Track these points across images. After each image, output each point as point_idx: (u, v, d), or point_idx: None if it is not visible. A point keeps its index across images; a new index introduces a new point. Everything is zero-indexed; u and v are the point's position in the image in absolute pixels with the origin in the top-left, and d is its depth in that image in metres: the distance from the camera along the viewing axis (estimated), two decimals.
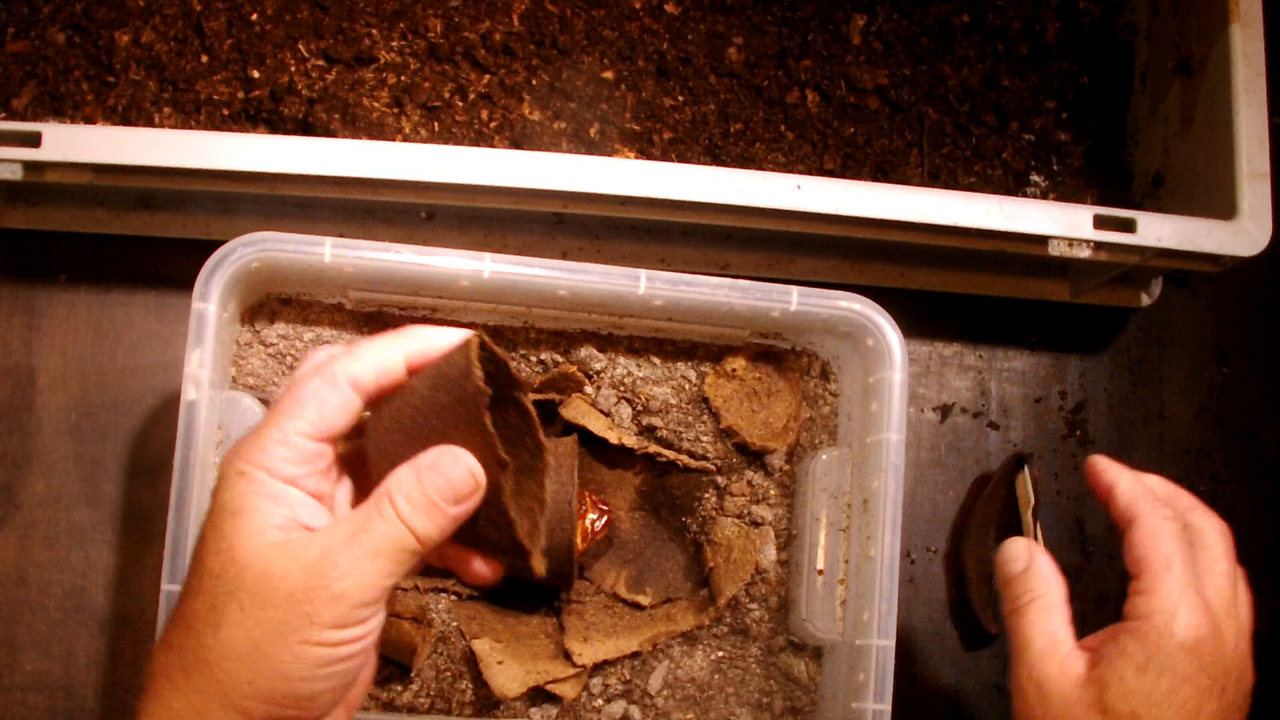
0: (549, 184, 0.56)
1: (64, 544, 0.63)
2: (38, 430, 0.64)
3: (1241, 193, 0.60)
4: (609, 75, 0.67)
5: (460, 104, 0.66)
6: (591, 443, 0.60)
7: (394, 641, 0.57)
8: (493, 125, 0.66)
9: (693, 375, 0.62)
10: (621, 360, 0.61)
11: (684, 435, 0.61)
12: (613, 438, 0.59)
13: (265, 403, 0.57)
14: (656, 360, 0.62)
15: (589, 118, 0.67)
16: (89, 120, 0.63)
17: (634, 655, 0.60)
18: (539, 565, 0.44)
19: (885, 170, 0.68)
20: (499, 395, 0.44)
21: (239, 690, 0.38)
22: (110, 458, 0.64)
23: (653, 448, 0.60)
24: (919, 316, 0.70)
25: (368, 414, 0.43)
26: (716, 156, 0.67)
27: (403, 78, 0.66)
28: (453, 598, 0.60)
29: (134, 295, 0.65)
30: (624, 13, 0.68)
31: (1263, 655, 0.71)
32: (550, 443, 0.59)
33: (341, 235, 0.53)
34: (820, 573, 0.60)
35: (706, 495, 0.62)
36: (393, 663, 0.58)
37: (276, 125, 0.64)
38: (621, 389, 0.61)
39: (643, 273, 0.54)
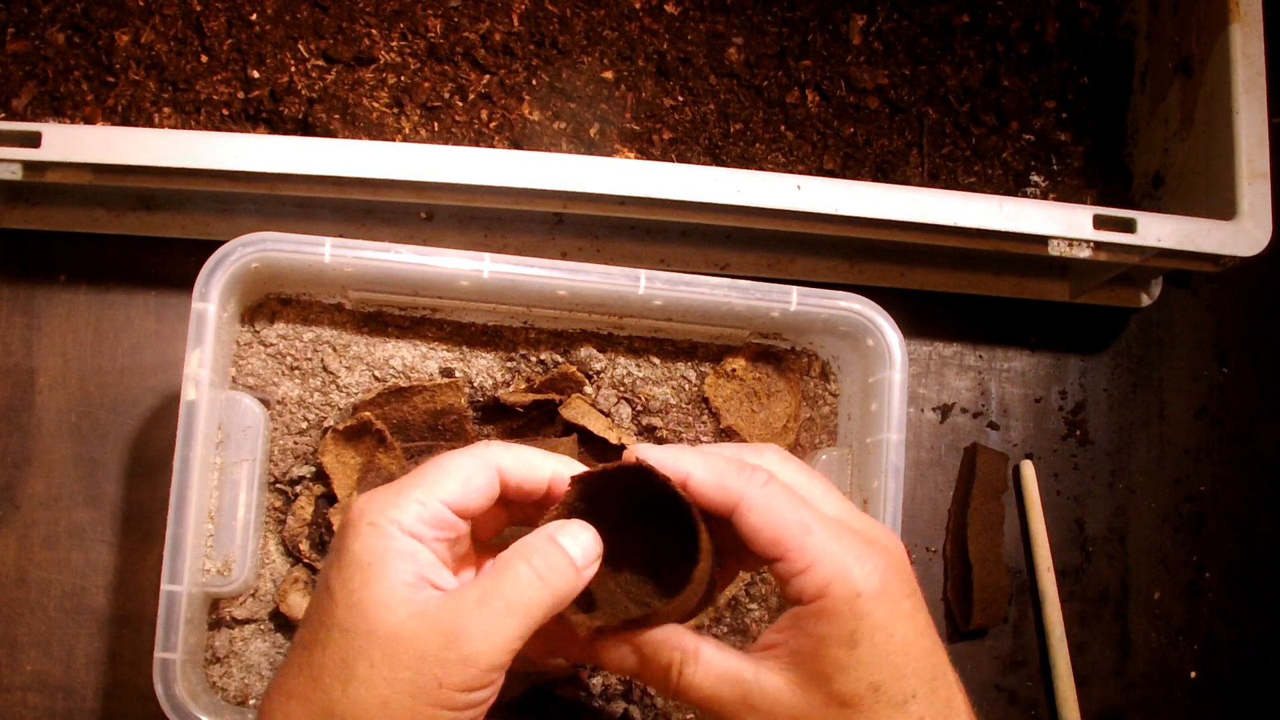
0: (549, 184, 0.56)
1: (64, 544, 0.63)
2: (38, 430, 0.64)
3: (1241, 193, 0.60)
4: (609, 75, 0.67)
5: (460, 104, 0.66)
6: (591, 443, 0.60)
7: None
8: (493, 125, 0.66)
9: (692, 375, 0.62)
10: (621, 360, 0.61)
11: (684, 435, 0.61)
12: (613, 438, 0.59)
13: (265, 403, 0.57)
14: (656, 360, 0.62)
15: (589, 118, 0.67)
16: (89, 120, 0.63)
17: None
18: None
19: (885, 170, 0.68)
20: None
21: None
22: (110, 458, 0.64)
23: None
24: (919, 316, 0.70)
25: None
26: (716, 156, 0.67)
27: (403, 78, 0.66)
28: None
29: (134, 295, 0.65)
30: (624, 13, 0.68)
31: (1263, 655, 0.72)
32: (550, 443, 0.59)
33: (341, 235, 0.53)
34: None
35: None
36: None
37: (276, 125, 0.64)
38: (621, 389, 0.61)
39: (642, 273, 0.54)
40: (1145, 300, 0.71)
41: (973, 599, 0.67)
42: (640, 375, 0.61)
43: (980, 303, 0.71)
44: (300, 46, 0.65)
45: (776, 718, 0.41)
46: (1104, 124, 0.72)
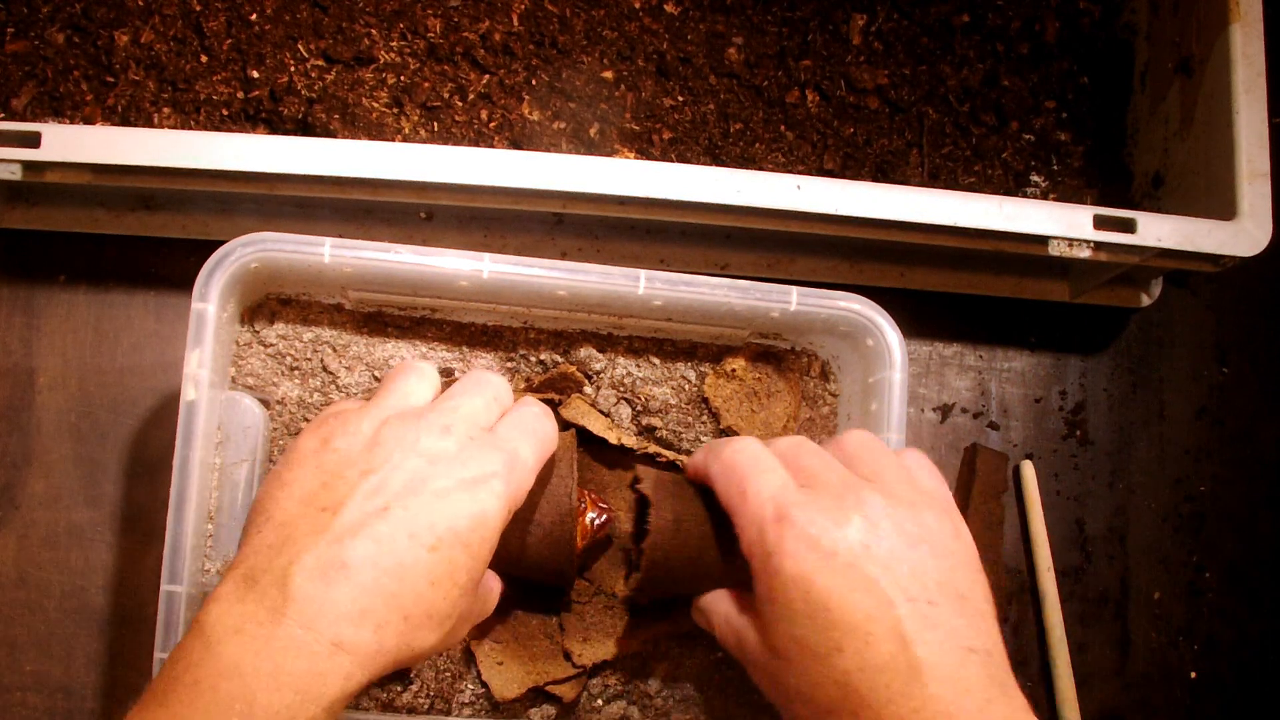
0: (549, 184, 0.56)
1: (64, 544, 0.63)
2: (37, 430, 0.64)
3: (1241, 193, 0.60)
4: (609, 75, 0.67)
5: (460, 104, 0.66)
6: (591, 443, 0.60)
7: None
8: (492, 125, 0.66)
9: (692, 375, 0.62)
10: (621, 360, 0.61)
11: (684, 435, 0.61)
12: (612, 438, 0.59)
13: (265, 403, 0.57)
14: (656, 360, 0.62)
15: (589, 118, 0.67)
16: (88, 120, 0.63)
17: (634, 655, 0.60)
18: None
19: (885, 170, 0.68)
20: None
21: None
22: (110, 458, 0.64)
23: (652, 448, 0.60)
24: (919, 316, 0.70)
25: None
26: (716, 156, 0.67)
27: (402, 78, 0.66)
28: None
29: (134, 295, 0.65)
30: (624, 13, 0.68)
31: (1263, 655, 0.72)
32: None
33: (341, 235, 0.53)
34: None
35: None
36: None
37: (276, 125, 0.64)
38: (621, 389, 0.61)
39: (642, 273, 0.54)
40: (1145, 300, 0.71)
41: None
42: (640, 375, 0.61)
43: (980, 303, 0.71)
44: (300, 46, 0.65)
45: (752, 665, 0.47)
46: (1104, 124, 0.72)
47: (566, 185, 0.55)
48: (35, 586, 0.62)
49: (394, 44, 0.66)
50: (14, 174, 0.54)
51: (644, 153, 0.66)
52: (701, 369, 0.62)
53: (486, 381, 0.49)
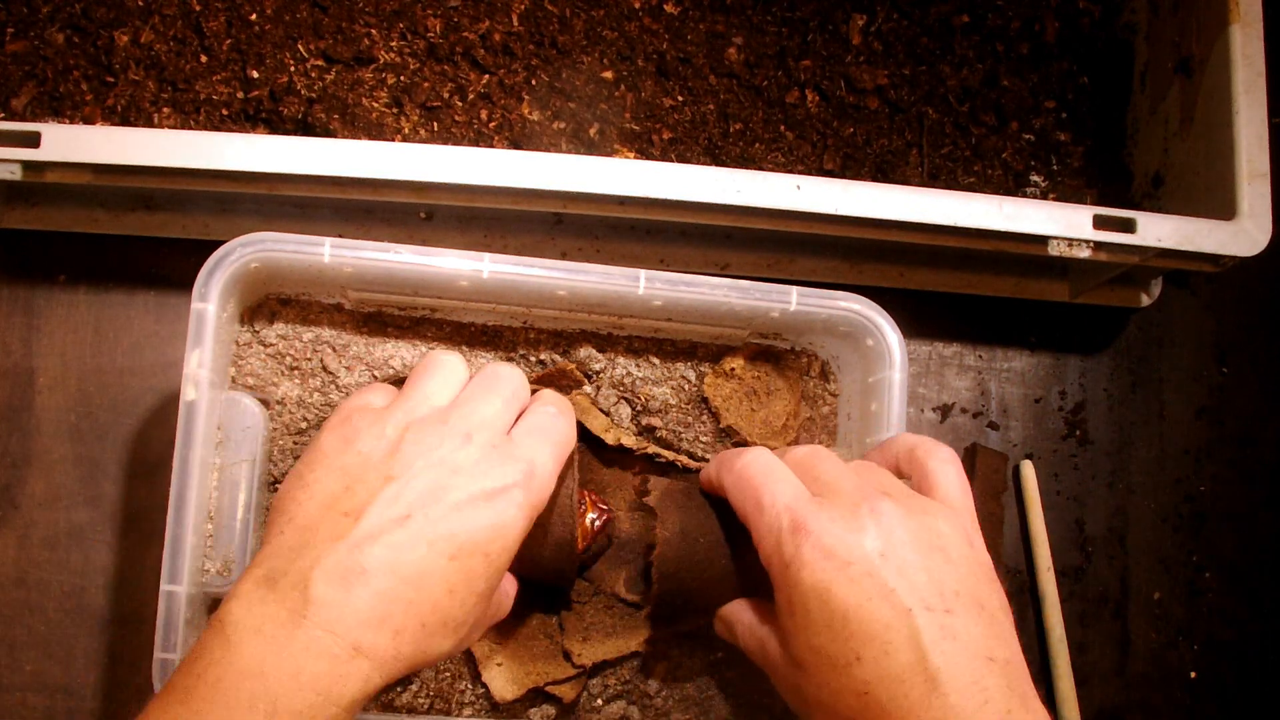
0: (549, 184, 0.56)
1: (63, 544, 0.63)
2: (37, 430, 0.64)
3: (1241, 193, 0.60)
4: (609, 75, 0.67)
5: (460, 104, 0.66)
6: (590, 442, 0.60)
7: None
8: (492, 125, 0.66)
9: (692, 375, 0.62)
10: (621, 360, 0.61)
11: (683, 435, 0.61)
12: (611, 438, 0.59)
13: (265, 403, 0.57)
14: (656, 360, 0.62)
15: (589, 118, 0.67)
16: (88, 120, 0.63)
17: (634, 655, 0.60)
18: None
19: (885, 170, 0.68)
20: None
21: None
22: (109, 458, 0.64)
23: (652, 448, 0.60)
24: (919, 316, 0.70)
25: None
26: (716, 156, 0.67)
27: (402, 78, 0.66)
28: None
29: (134, 295, 0.65)
30: (624, 13, 0.68)
31: (1263, 655, 0.72)
32: None
33: (341, 235, 0.53)
34: None
35: None
36: None
37: (276, 125, 0.64)
38: (621, 389, 0.61)
39: (642, 273, 0.54)
40: (1145, 300, 0.71)
41: None
42: (640, 375, 0.61)
43: (980, 303, 0.71)
44: (300, 46, 0.65)
45: (777, 673, 0.47)
46: (1104, 124, 0.72)
47: (566, 185, 0.55)
48: (35, 586, 0.62)
49: (394, 44, 0.66)
50: (14, 174, 0.54)
51: (644, 153, 0.66)
52: (701, 369, 0.62)
53: (503, 378, 0.49)
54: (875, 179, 0.67)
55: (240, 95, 0.64)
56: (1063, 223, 0.58)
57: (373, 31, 0.66)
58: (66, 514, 0.63)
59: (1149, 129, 0.70)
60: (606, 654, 0.58)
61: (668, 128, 0.67)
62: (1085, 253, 0.59)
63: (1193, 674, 0.71)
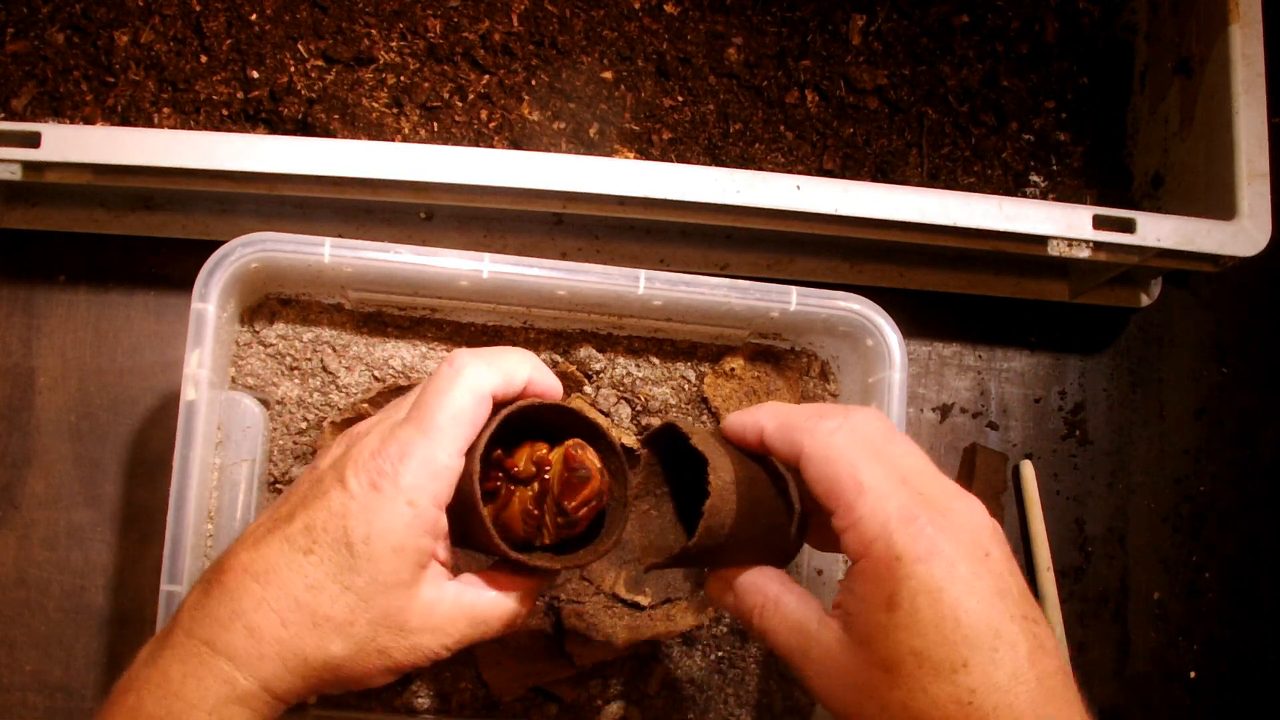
0: (549, 184, 0.56)
1: (64, 544, 0.63)
2: (37, 430, 0.64)
3: (1241, 193, 0.60)
4: (608, 75, 0.67)
5: (460, 104, 0.66)
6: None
7: None
8: (492, 125, 0.66)
9: (692, 375, 0.62)
10: (621, 360, 0.61)
11: None
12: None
13: (265, 403, 0.57)
14: (656, 360, 0.62)
15: (589, 118, 0.67)
16: (88, 120, 0.63)
17: (634, 655, 0.60)
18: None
19: (885, 170, 0.68)
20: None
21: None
22: (109, 458, 0.64)
23: None
24: (919, 316, 0.70)
25: None
26: (716, 157, 0.67)
27: (402, 78, 0.66)
28: None
29: (133, 295, 0.65)
30: (623, 13, 0.68)
31: (1263, 655, 0.72)
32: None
33: (340, 235, 0.53)
34: (819, 573, 0.60)
35: None
36: None
37: (276, 125, 0.64)
38: (621, 389, 0.61)
39: (642, 273, 0.54)
40: (1145, 300, 0.71)
41: None
42: (640, 375, 0.61)
43: (980, 303, 0.71)
44: (300, 47, 0.65)
45: (828, 672, 0.41)
46: (1104, 124, 0.72)
47: (566, 185, 0.55)
48: (35, 586, 0.62)
49: (394, 44, 0.66)
50: (14, 174, 0.54)
51: (644, 153, 0.66)
52: (701, 369, 0.62)
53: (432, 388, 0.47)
54: (875, 179, 0.67)
55: (240, 95, 0.64)
56: (1063, 223, 0.58)
57: (373, 32, 0.66)
58: (66, 514, 0.63)
59: (1149, 129, 0.70)
60: (606, 654, 0.58)
61: (668, 128, 0.67)
62: (1085, 253, 0.59)
63: (1193, 674, 0.71)
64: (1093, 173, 0.72)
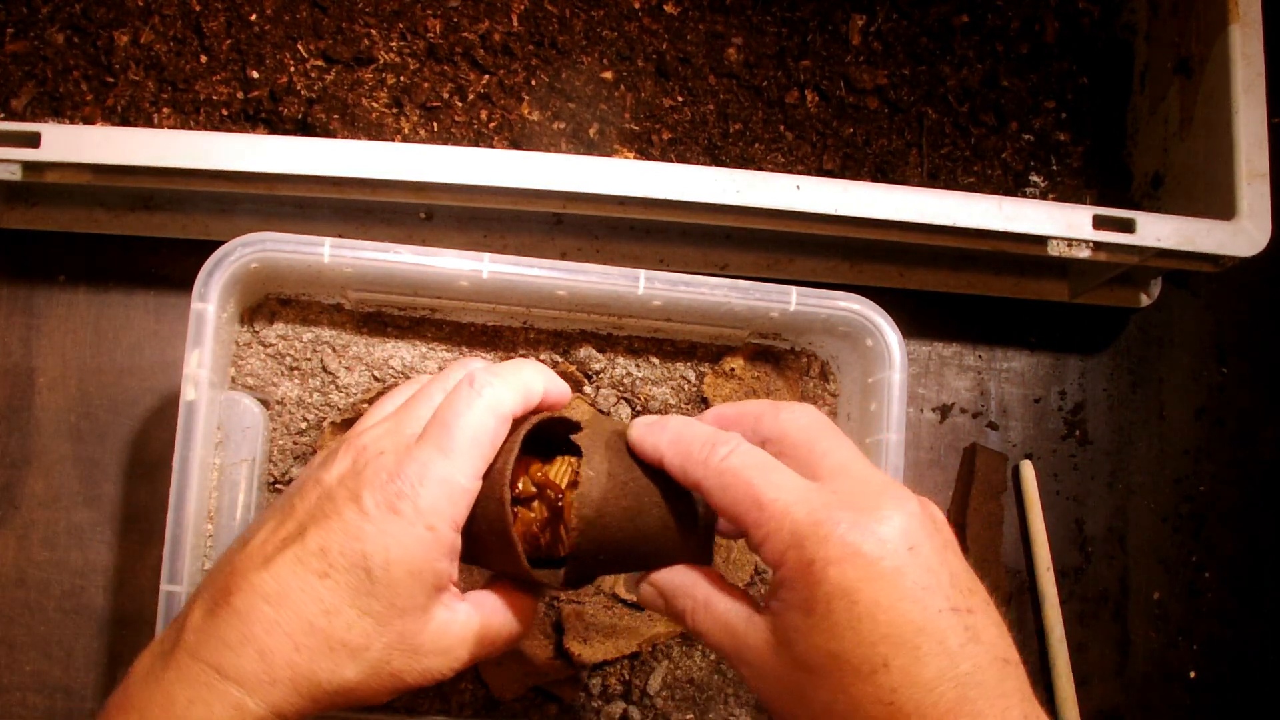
0: (548, 184, 0.56)
1: (63, 544, 0.63)
2: (37, 430, 0.64)
3: (1241, 193, 0.60)
4: (608, 75, 0.67)
5: (459, 104, 0.66)
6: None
7: None
8: (492, 125, 0.66)
9: (692, 375, 0.62)
10: (621, 360, 0.61)
11: None
12: None
13: (264, 403, 0.57)
14: (656, 360, 0.62)
15: (588, 118, 0.67)
16: (88, 120, 0.63)
17: (634, 655, 0.60)
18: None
19: (885, 170, 0.68)
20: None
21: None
22: (109, 458, 0.64)
23: None
24: (918, 316, 0.70)
25: None
26: (716, 157, 0.67)
27: (402, 78, 0.66)
28: None
29: (133, 295, 0.65)
30: (623, 13, 0.68)
31: (1263, 655, 0.72)
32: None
33: (340, 235, 0.53)
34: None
35: None
36: None
37: (276, 125, 0.64)
38: (621, 389, 0.61)
39: (642, 273, 0.54)
40: (1145, 300, 0.71)
41: None
42: (640, 375, 0.61)
43: (980, 303, 0.71)
44: (299, 47, 0.65)
45: (760, 674, 0.41)
46: (1103, 124, 0.72)
47: (566, 185, 0.55)
48: (35, 586, 0.62)
49: (394, 44, 0.66)
50: (14, 174, 0.54)
51: (644, 153, 0.66)
52: (701, 369, 0.62)
53: (406, 392, 0.47)
54: (875, 179, 0.67)
55: (240, 95, 0.64)
56: (1062, 223, 0.58)
57: (372, 32, 0.66)
58: (66, 514, 0.63)
59: (1149, 129, 0.70)
60: (606, 654, 0.58)
61: (667, 128, 0.67)
62: (1085, 253, 0.59)
63: (1192, 674, 0.71)
64: (1093, 173, 0.72)
